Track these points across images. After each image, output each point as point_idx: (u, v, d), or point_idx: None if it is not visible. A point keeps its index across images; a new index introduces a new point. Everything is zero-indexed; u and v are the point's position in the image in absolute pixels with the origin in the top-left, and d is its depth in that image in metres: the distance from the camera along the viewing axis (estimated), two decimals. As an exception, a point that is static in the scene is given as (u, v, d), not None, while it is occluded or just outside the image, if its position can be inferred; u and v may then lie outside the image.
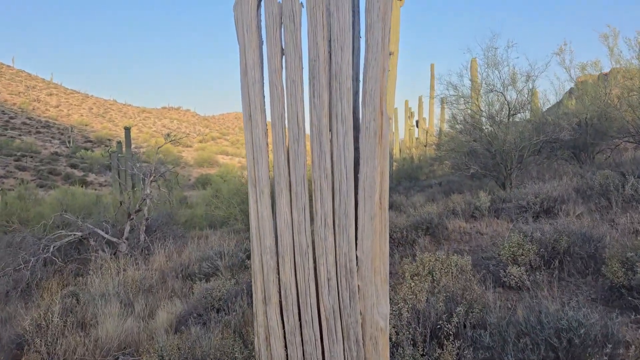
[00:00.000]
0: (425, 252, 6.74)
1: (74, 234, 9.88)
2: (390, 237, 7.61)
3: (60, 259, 9.52)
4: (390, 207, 12.07)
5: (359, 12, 3.11)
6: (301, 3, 3.14)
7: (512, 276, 5.14)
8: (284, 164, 3.14)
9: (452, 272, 5.16)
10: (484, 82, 11.44)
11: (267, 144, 3.25)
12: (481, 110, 11.86)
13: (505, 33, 18.88)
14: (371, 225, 2.97)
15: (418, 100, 34.82)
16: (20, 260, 8.55)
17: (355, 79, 3.13)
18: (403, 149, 35.12)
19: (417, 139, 34.08)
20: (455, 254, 6.10)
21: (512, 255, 5.48)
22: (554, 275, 5.23)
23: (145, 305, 6.36)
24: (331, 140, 3.03)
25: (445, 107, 17.63)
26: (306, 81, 3.07)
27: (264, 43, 3.28)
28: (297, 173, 3.11)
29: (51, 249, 8.94)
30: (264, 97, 3.26)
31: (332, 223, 3.03)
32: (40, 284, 8.39)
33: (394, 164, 27.58)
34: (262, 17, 3.15)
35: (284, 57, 3.18)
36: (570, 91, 16.96)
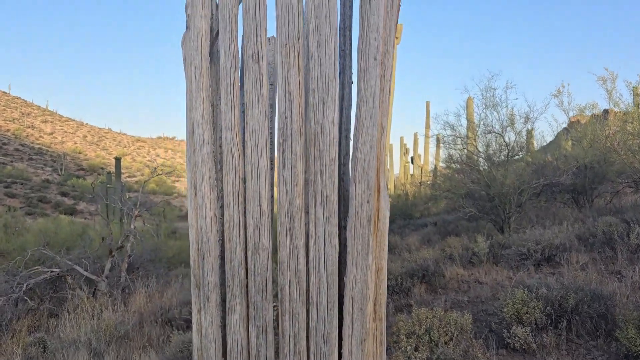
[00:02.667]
0: (421, 303, 6.31)
1: (51, 271, 9.37)
2: (384, 284, 7.17)
3: (35, 298, 8.99)
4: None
5: (350, 52, 2.50)
6: (271, 37, 2.48)
7: (517, 337, 4.72)
8: (239, 262, 2.35)
9: (451, 332, 4.73)
10: (481, 123, 11.20)
11: (219, 231, 2.58)
12: (479, 151, 11.57)
13: (504, 74, 18.73)
14: (361, 350, 2.30)
15: (413, 137, 34.74)
16: (-11, 300, 8.02)
17: (344, 138, 2.54)
18: (398, 185, 34.82)
19: (412, 175, 33.85)
20: (454, 308, 5.68)
21: (517, 314, 5.06)
22: (562, 337, 4.80)
23: (116, 358, 5.85)
24: (307, 230, 2.33)
25: (441, 145, 17.40)
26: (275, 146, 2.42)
27: (219, 91, 2.45)
28: (258, 275, 2.33)
29: (24, 287, 8.42)
30: (216, 165, 2.45)
31: (306, 350, 2.31)
32: (10, 325, 7.85)
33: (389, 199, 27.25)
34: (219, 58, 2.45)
35: (243, 111, 2.40)
36: (567, 130, 16.80)
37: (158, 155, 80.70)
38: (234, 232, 2.40)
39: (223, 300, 2.49)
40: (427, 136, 27.93)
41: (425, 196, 25.05)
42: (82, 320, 7.23)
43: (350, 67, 2.49)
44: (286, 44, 2.26)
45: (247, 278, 2.43)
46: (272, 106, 2.52)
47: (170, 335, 6.63)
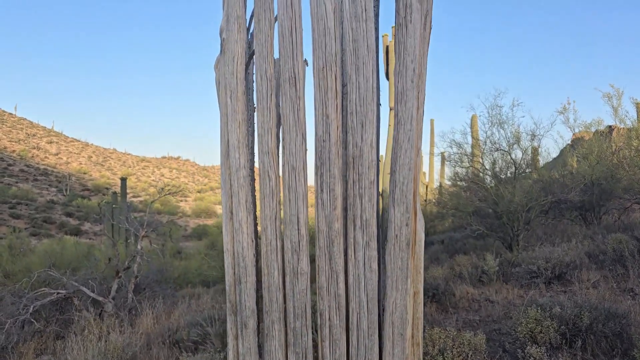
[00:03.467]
0: (432, 322, 6.23)
1: (58, 292, 9.32)
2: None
3: (41, 320, 8.93)
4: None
5: (377, 73, 2.48)
6: (305, 61, 2.42)
7: (532, 357, 4.63)
8: (277, 287, 2.31)
9: (465, 352, 4.66)
10: (488, 140, 11.19)
11: (255, 256, 2.52)
12: (485, 168, 11.55)
13: (510, 91, 18.70)
14: None
15: (418, 154, 34.76)
16: (-5, 322, 7.96)
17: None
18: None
19: (416, 193, 33.81)
20: (466, 327, 5.61)
21: (531, 333, 4.99)
22: (578, 357, 4.72)
23: (125, 380, 5.78)
24: (346, 254, 2.29)
25: (447, 163, 17.38)
26: (311, 169, 2.36)
27: (255, 115, 2.48)
28: (297, 301, 2.29)
29: (30, 309, 8.37)
30: (253, 189, 2.46)
31: None
32: (17, 347, 7.78)
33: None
34: (254, 80, 2.47)
35: (281, 134, 2.39)
36: (572, 146, 16.78)
37: (163, 175, 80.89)
38: (271, 257, 2.35)
39: (259, 327, 2.45)
40: (431, 154, 27.90)
41: (431, 214, 25.00)
42: (89, 342, 7.16)
43: (378, 88, 2.46)
44: (323, 67, 2.24)
45: (285, 304, 2.36)
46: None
47: (179, 357, 6.56)
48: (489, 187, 10.91)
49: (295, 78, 2.28)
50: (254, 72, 2.40)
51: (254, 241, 2.40)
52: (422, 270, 2.37)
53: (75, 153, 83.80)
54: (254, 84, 2.39)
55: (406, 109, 2.25)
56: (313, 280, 2.31)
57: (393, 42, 19.13)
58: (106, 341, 7.25)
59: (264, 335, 2.39)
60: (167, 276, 13.13)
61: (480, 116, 11.89)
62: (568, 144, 17.36)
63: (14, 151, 70.15)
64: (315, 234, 2.31)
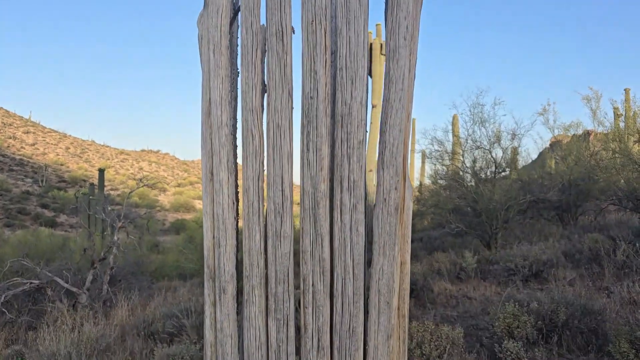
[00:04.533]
0: (410, 317, 6.24)
1: (31, 282, 9.11)
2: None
3: (13, 310, 8.72)
4: (370, 263, 11.57)
5: (367, 32, 2.42)
6: (292, 28, 2.22)
7: (509, 352, 4.66)
8: (258, 250, 2.20)
9: (442, 346, 4.66)
10: (469, 139, 11.25)
11: (236, 219, 2.32)
12: (466, 166, 11.62)
13: (492, 90, 18.93)
14: (387, 348, 2.14)
15: (399, 153, 34.96)
16: (-36, 311, 7.75)
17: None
18: (382, 201, 34.87)
19: (397, 192, 34.01)
20: (444, 322, 5.61)
21: (508, 328, 5.01)
22: (554, 352, 4.76)
23: (98, 371, 5.66)
24: (332, 217, 2.19)
25: (427, 161, 17.48)
26: (297, 127, 2.24)
27: (239, 72, 2.31)
28: (279, 265, 2.19)
29: (1, 299, 8.17)
30: (235, 148, 2.33)
31: (330, 345, 2.17)
32: (-14, 338, 7.58)
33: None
34: (238, 37, 2.35)
35: (266, 91, 2.26)
36: (551, 148, 17.01)
37: (142, 168, 79.97)
38: (253, 219, 2.28)
39: (238, 293, 2.38)
40: (412, 151, 28.01)
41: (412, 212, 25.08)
42: (62, 333, 7.01)
43: (369, 47, 2.42)
44: (312, 21, 2.17)
45: (266, 268, 2.29)
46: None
47: (154, 348, 6.46)
48: (468, 185, 10.97)
49: (282, 32, 2.21)
50: (239, 25, 2.32)
51: (235, 203, 2.33)
52: (409, 240, 2.33)
53: (52, 144, 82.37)
54: (239, 40, 2.31)
55: (398, 67, 2.20)
56: (297, 244, 2.26)
57: (376, 41, 18.94)
58: (79, 332, 7.10)
59: (243, 301, 2.32)
60: (144, 269, 12.97)
61: (462, 114, 11.96)
62: (547, 147, 17.59)
63: (-12, 140, 68.64)
64: (300, 196, 2.25)
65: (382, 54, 23.25)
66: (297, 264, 2.32)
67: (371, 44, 23.15)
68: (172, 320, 7.28)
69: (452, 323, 5.99)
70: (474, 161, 11.31)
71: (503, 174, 11.41)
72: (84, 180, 57.62)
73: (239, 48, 2.37)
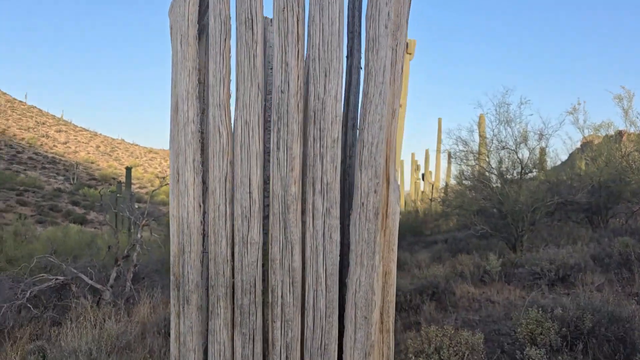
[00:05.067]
0: (431, 321, 6.12)
1: (56, 278, 9.27)
2: (393, 300, 6.99)
3: (40, 305, 8.88)
4: (394, 264, 11.45)
5: (360, 34, 2.26)
6: (266, 18, 2.10)
7: (531, 359, 4.51)
8: (224, 258, 2.06)
9: (462, 352, 4.54)
10: (494, 139, 11.03)
11: (202, 223, 2.19)
12: (491, 167, 11.39)
13: (519, 89, 18.40)
14: None
15: (425, 153, 34.55)
16: (-10, 306, 7.92)
17: (351, 128, 2.33)
18: (408, 201, 34.56)
19: (422, 192, 33.62)
20: (465, 327, 5.49)
21: (530, 334, 4.85)
22: (578, 360, 4.59)
23: (116, 369, 5.70)
24: (304, 223, 2.06)
25: (453, 161, 17.24)
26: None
27: (207, 63, 2.15)
28: (245, 274, 2.03)
29: (27, 294, 8.32)
30: (202, 148, 2.18)
31: None
32: (13, 332, 7.74)
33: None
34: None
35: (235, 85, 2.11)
36: (581, 149, 16.58)
37: (169, 167, 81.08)
38: (219, 223, 2.10)
39: (206, 303, 2.26)
40: (438, 150, 27.73)
41: (436, 213, 24.83)
42: (84, 329, 7.10)
43: (359, 51, 2.28)
44: (284, 8, 1.99)
45: (233, 277, 2.15)
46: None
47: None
48: (494, 186, 10.75)
49: (252, 20, 2.04)
50: (209, 13, 2.18)
51: (202, 206, 2.20)
52: (395, 248, 2.18)
53: (83, 142, 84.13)
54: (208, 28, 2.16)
55: (378, 58, 2.03)
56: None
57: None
58: (101, 329, 7.18)
59: (208, 313, 2.19)
60: (168, 267, 13.06)
61: (487, 113, 11.72)
62: (577, 148, 17.15)
63: (23, 139, 70.52)
64: (270, 199, 2.11)
65: (407, 53, 23.09)
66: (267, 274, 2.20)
67: (397, 43, 23.04)
68: (191, 318, 7.30)
69: (474, 327, 5.86)
70: (500, 162, 11.07)
71: (530, 175, 11.14)
72: (114, 178, 58.66)
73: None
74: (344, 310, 2.10)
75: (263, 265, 2.09)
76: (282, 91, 1.97)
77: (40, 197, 44.53)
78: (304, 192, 2.06)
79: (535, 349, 4.60)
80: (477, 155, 12.17)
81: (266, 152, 2.10)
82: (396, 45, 2.07)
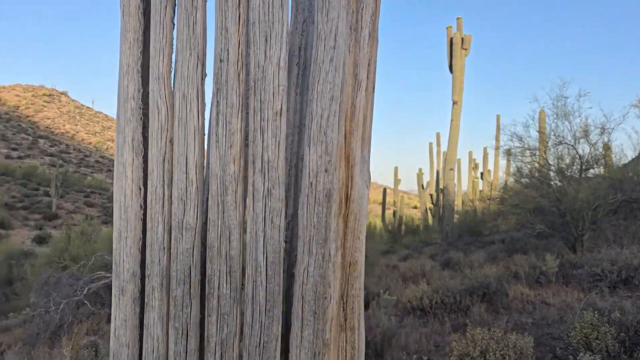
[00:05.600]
0: (480, 323, 5.89)
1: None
2: (442, 302, 6.79)
3: (97, 302, 9.21)
4: (447, 265, 11.17)
5: None
6: None
7: (585, 365, 4.23)
8: (160, 245, 1.90)
9: (509, 355, 4.32)
10: (552, 134, 10.52)
11: (141, 207, 2.00)
12: (549, 163, 10.88)
13: (577, 81, 17.52)
14: None
15: (483, 151, 33.65)
16: (50, 302, 8.27)
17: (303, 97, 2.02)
18: (466, 201, 33.71)
19: (480, 191, 32.72)
20: (515, 330, 5.23)
21: (585, 339, 4.56)
22: (638, 368, 4.27)
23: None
24: (247, 206, 1.88)
25: (511, 159, 16.62)
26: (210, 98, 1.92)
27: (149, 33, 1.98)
28: (180, 262, 1.87)
29: (85, 291, 8.64)
30: (142, 123, 1.98)
31: None
32: (70, 328, 8.06)
33: (455, 216, 26.31)
34: None
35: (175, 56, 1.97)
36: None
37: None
38: (156, 207, 1.93)
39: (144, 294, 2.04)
40: (497, 148, 26.84)
41: (494, 212, 24.08)
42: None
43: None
44: None
45: (168, 266, 1.95)
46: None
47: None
48: (552, 183, 10.26)
49: None
50: None
51: (142, 189, 2.08)
52: (362, 237, 1.97)
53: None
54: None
55: (328, 20, 1.78)
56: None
57: (457, 35, 18.27)
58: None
59: (145, 305, 2.05)
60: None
61: (543, 107, 11.19)
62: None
63: (90, 143, 74.04)
64: (209, 180, 1.97)
65: (463, 49, 22.50)
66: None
67: (451, 39, 22.46)
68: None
69: (525, 331, 5.58)
70: (558, 158, 10.55)
71: (591, 171, 10.56)
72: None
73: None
74: (288, 304, 1.94)
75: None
76: (221, 60, 1.81)
77: (106, 199, 46.55)
78: (245, 171, 1.91)
79: (590, 355, 4.31)
80: (534, 152, 11.66)
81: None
82: (361, 9, 1.88)
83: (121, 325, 2.03)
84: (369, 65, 1.95)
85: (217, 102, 1.81)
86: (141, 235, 2.01)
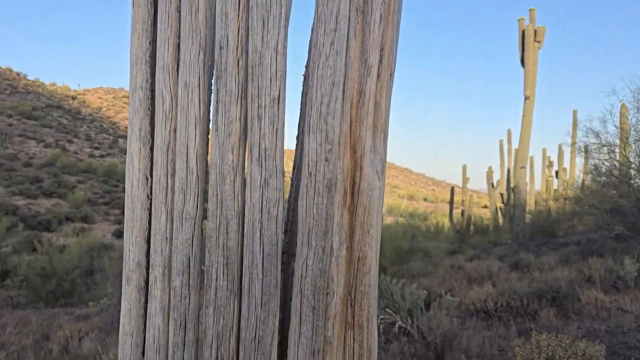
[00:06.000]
0: (547, 328, 5.60)
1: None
2: (507, 305, 6.52)
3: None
4: (516, 267, 10.75)
5: None
6: None
7: (662, 378, 3.92)
8: (163, 235, 1.91)
9: (577, 364, 4.07)
10: (632, 129, 9.85)
11: (148, 197, 1.98)
12: (629, 161, 10.20)
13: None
14: None
15: (558, 148, 32.13)
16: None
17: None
18: (539, 201, 32.32)
19: (555, 190, 31.27)
20: (587, 337, 4.94)
21: (663, 349, 4.23)
22: None
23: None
24: (246, 196, 1.83)
25: (584, 156, 15.76)
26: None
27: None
28: (180, 253, 1.86)
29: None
30: (150, 113, 1.98)
31: (234, 356, 1.81)
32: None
33: (527, 216, 25.27)
34: None
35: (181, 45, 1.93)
36: None
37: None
38: (159, 197, 1.92)
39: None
40: (573, 144, 25.53)
41: (570, 213, 22.94)
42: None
43: None
44: None
45: (169, 256, 1.94)
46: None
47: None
48: (632, 182, 9.62)
49: None
50: None
51: (149, 179, 2.07)
52: (373, 230, 1.84)
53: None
54: None
55: (329, 1, 1.71)
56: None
57: (530, 27, 17.53)
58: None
59: (149, 295, 2.04)
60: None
61: (622, 100, 10.50)
62: None
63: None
64: (210, 170, 1.93)
65: (536, 41, 21.56)
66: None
67: (523, 31, 21.58)
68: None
69: (598, 338, 5.26)
70: (639, 155, 9.87)
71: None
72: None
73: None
74: (286, 299, 1.87)
75: None
76: (221, 47, 1.77)
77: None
78: (244, 161, 1.86)
79: (669, 367, 4.00)
80: (612, 149, 10.98)
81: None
82: None
83: (126, 314, 2.04)
84: (382, 50, 1.87)
85: (217, 90, 1.80)
86: (147, 225, 2.02)
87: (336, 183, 1.80)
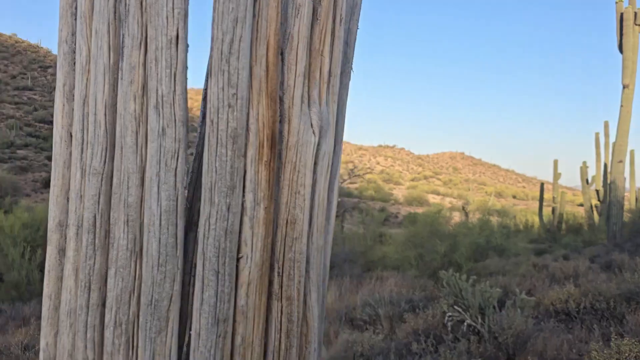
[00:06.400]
0: (636, 334, 5.14)
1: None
2: (591, 307, 6.07)
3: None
4: (607, 267, 10.02)
5: None
6: None
7: None
8: (77, 192, 1.80)
9: (662, 373, 3.69)
10: None
11: (71, 155, 1.87)
12: None
13: None
14: (215, 334, 1.59)
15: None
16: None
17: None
18: (640, 198, 29.93)
19: (661, 186, 28.81)
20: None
21: None
22: None
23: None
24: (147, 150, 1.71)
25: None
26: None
27: None
28: (87, 210, 1.76)
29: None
30: (75, 68, 1.86)
31: (132, 321, 1.69)
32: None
33: (626, 214, 23.47)
34: None
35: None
36: None
37: (378, 163, 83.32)
38: (74, 154, 1.81)
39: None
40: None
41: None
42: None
43: None
44: None
45: (82, 214, 1.82)
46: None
47: (338, 334, 6.59)
48: None
49: None
50: None
51: (72, 136, 1.95)
52: (303, 190, 1.63)
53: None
54: None
55: None
56: None
57: (629, 9, 16.26)
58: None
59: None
60: (356, 257, 13.44)
61: None
62: None
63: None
64: (117, 123, 1.81)
65: (636, 24, 19.93)
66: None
67: (622, 14, 20.02)
68: (368, 307, 7.34)
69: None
70: None
71: None
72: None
73: None
74: (186, 267, 1.73)
75: None
76: None
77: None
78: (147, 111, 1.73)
79: None
80: None
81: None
82: None
83: (46, 276, 1.97)
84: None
85: (122, 34, 1.71)
86: (69, 184, 1.97)
87: (246, 134, 1.67)
